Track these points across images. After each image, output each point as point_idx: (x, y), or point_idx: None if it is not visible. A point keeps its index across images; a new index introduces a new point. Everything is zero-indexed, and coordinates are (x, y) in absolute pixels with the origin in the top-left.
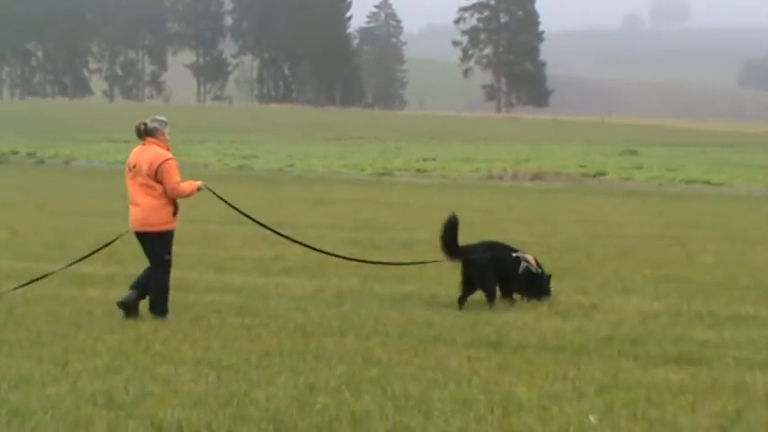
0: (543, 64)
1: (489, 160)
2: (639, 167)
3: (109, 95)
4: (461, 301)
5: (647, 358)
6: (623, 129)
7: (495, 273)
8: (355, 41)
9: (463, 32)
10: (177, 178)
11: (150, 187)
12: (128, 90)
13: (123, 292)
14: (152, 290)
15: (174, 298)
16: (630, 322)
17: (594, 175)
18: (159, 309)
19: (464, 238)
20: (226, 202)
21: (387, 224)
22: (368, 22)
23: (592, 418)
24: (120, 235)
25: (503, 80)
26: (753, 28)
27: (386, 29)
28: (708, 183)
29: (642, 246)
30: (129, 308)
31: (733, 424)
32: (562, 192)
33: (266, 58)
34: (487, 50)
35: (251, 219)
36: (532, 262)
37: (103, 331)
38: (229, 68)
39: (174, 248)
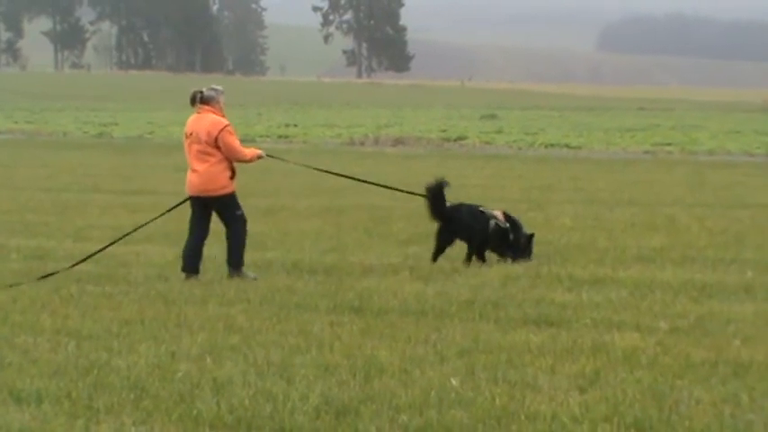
0: (404, 29)
1: (351, 126)
2: (499, 131)
3: None
4: (436, 257)
5: (508, 321)
6: (483, 93)
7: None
8: (215, 7)
9: None
10: (237, 142)
11: (208, 154)
12: None
13: None
14: (233, 246)
15: (32, 267)
16: (491, 285)
17: (455, 140)
18: (238, 263)
19: (326, 203)
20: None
21: (249, 190)
22: None
23: (453, 381)
24: (184, 200)
25: (363, 45)
26: None
27: None
28: (567, 146)
29: (502, 209)
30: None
31: (591, 384)
32: (424, 156)
33: (124, 24)
34: (348, 16)
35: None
36: (500, 217)
37: None
38: (87, 35)
39: (31, 217)
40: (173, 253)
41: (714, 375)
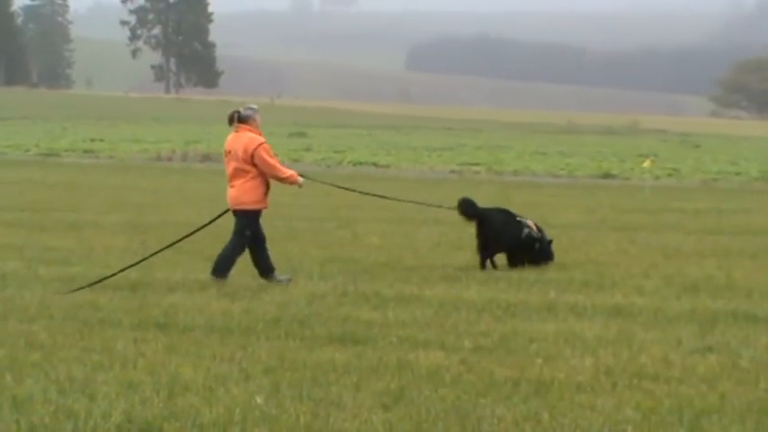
0: (213, 45)
1: (158, 141)
2: (308, 149)
3: None
4: (484, 263)
5: (314, 339)
6: (292, 110)
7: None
8: (19, 19)
9: (131, 12)
10: (273, 160)
11: (244, 171)
12: None
13: None
14: (225, 256)
15: None
16: (298, 303)
17: None
18: (221, 273)
19: (132, 219)
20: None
21: (53, 205)
22: (32, 0)
23: (258, 399)
24: (224, 212)
25: (172, 61)
26: (417, 11)
27: (51, 7)
28: (375, 164)
29: (310, 227)
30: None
31: (396, 402)
32: None
33: None
34: (156, 30)
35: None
36: (533, 227)
37: None
38: None
39: None
40: None
41: (516, 393)
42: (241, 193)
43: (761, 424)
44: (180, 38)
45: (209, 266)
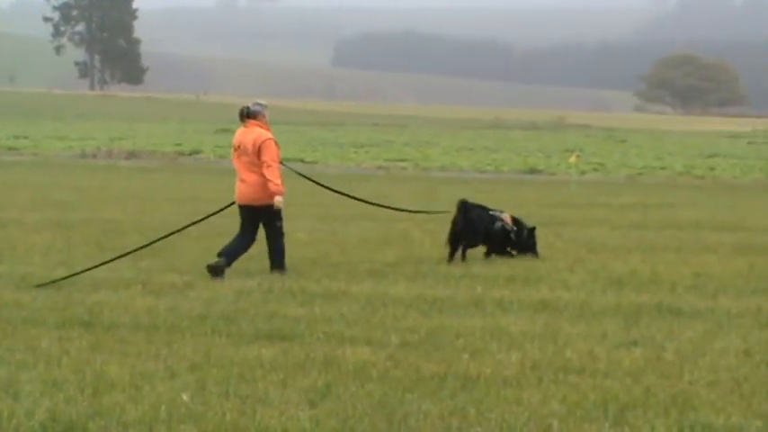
0: (138, 41)
1: (83, 138)
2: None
3: None
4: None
5: (240, 335)
6: (219, 107)
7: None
8: None
9: (54, 8)
10: (271, 158)
11: (255, 164)
12: None
13: None
14: (274, 252)
15: None
16: (224, 300)
17: (190, 154)
18: (280, 266)
19: (56, 217)
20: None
21: None
22: None
23: (184, 396)
24: (228, 205)
25: (96, 57)
26: (343, 7)
27: None
28: (302, 161)
29: (236, 223)
30: (217, 272)
31: (322, 398)
32: (157, 170)
33: None
34: (80, 27)
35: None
36: (508, 220)
37: None
38: None
39: None
40: None
41: (443, 389)
42: (254, 190)
43: (684, 416)
44: (104, 34)
45: (134, 264)
